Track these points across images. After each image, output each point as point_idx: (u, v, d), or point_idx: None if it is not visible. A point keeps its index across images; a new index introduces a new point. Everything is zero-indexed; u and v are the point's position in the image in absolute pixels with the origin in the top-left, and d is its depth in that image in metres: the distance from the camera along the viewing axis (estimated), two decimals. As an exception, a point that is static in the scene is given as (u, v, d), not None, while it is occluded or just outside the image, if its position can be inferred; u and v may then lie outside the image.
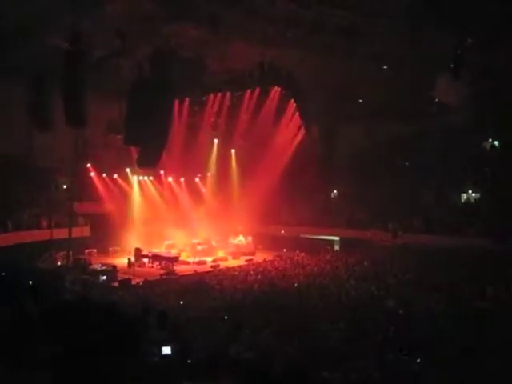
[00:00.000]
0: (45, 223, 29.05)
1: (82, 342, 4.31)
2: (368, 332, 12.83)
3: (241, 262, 31.16)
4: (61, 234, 27.57)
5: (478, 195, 33.46)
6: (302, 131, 35.77)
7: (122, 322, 5.51)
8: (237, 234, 35.14)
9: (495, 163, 32.99)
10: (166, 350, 5.34)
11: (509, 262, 21.96)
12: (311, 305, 16.90)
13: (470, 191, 33.77)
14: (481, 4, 21.02)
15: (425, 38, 25.50)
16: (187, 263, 30.31)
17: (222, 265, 29.98)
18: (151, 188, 35.11)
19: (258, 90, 31.89)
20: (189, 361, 5.25)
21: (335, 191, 39.80)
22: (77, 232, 28.22)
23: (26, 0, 21.81)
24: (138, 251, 30.31)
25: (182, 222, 33.66)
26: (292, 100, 33.56)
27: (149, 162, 24.74)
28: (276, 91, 32.67)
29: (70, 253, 26.83)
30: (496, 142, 36.55)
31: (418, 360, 10.53)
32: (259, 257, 32.56)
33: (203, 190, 37.31)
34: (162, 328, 6.65)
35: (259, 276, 23.89)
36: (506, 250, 24.72)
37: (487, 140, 36.72)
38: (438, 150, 35.64)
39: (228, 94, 31.65)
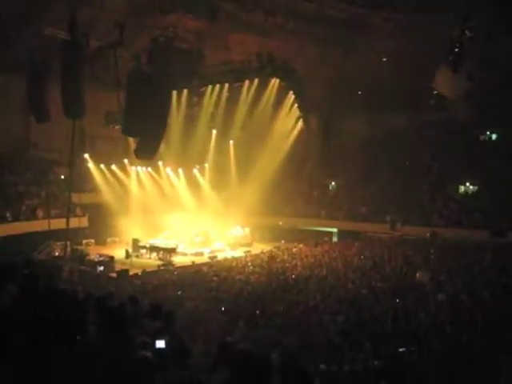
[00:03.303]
0: (43, 214, 29.06)
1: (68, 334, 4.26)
2: (365, 324, 12.88)
3: (238, 253, 31.16)
4: (59, 224, 27.53)
5: (476, 188, 33.47)
6: (301, 123, 35.69)
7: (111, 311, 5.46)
8: (234, 225, 35.14)
9: (493, 156, 33.01)
10: (160, 343, 5.04)
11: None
12: (309, 297, 16.93)
13: (467, 183, 33.77)
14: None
15: (425, 30, 25.46)
16: (185, 254, 30.34)
17: (220, 256, 30.00)
18: (149, 179, 35.05)
19: (256, 81, 31.75)
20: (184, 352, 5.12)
21: (333, 183, 39.78)
22: (74, 223, 28.21)
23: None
24: (135, 242, 30.34)
25: (180, 213, 33.64)
26: (291, 91, 33.45)
27: (147, 153, 24.63)
28: (275, 82, 32.53)
29: (68, 243, 26.80)
30: (494, 135, 36.58)
31: (412, 348, 10.60)
32: (257, 248, 32.59)
33: (201, 181, 37.24)
34: (155, 318, 6.53)
35: (257, 267, 23.92)
36: (504, 243, 24.87)
37: (485, 132, 36.75)
38: (436, 141, 35.69)
39: (226, 85, 31.49)
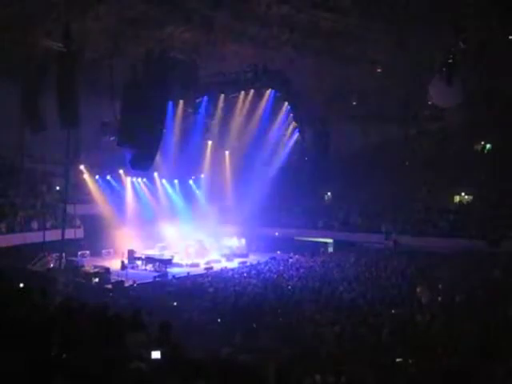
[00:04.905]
0: (38, 225, 28.89)
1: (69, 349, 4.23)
2: (362, 335, 12.83)
3: (234, 263, 31.09)
4: (54, 235, 27.35)
5: (471, 197, 33.55)
6: (296, 133, 35.81)
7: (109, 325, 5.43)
8: (230, 236, 35.08)
9: (488, 165, 33.13)
10: (156, 354, 5.04)
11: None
12: (305, 307, 16.88)
13: (462, 193, 33.86)
14: (475, 7, 21.13)
15: (419, 42, 25.62)
16: (181, 265, 30.23)
17: (216, 267, 29.89)
18: (145, 190, 34.98)
19: (252, 92, 31.85)
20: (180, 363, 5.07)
21: (329, 193, 39.81)
22: (70, 234, 27.98)
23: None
24: (131, 253, 30.22)
25: (176, 224, 33.57)
26: (286, 102, 33.59)
27: (142, 164, 24.61)
28: (270, 93, 32.68)
29: (63, 255, 26.65)
30: (488, 145, 36.73)
31: (410, 360, 10.55)
32: (253, 259, 32.51)
33: (197, 191, 37.22)
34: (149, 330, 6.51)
35: (253, 278, 23.84)
36: (499, 253, 24.88)
37: (480, 142, 36.89)
38: (431, 151, 35.83)
39: (222, 95, 31.59)
